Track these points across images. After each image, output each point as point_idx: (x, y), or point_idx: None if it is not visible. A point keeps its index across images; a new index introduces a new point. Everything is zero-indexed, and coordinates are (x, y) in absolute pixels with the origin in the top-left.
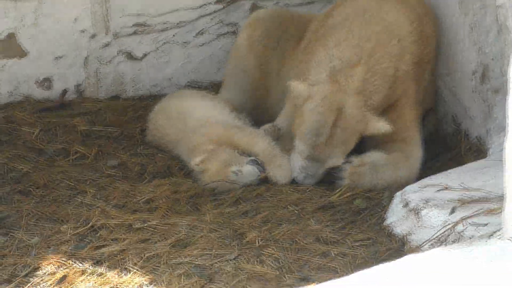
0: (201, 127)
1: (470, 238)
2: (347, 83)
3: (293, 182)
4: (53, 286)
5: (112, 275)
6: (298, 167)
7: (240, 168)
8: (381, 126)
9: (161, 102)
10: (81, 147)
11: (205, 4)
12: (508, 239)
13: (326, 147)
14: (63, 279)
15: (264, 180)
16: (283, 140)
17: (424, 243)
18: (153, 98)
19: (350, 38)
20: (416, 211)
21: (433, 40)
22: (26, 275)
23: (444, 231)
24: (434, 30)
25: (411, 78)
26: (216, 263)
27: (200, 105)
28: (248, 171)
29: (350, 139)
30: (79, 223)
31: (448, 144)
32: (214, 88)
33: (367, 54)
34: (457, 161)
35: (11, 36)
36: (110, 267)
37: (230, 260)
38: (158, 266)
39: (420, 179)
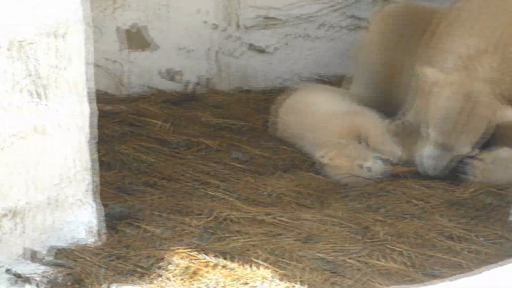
0: (325, 121)
1: None
2: (477, 70)
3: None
4: (179, 278)
5: (238, 268)
6: (425, 155)
7: (367, 162)
8: (510, 113)
9: (286, 96)
10: (206, 139)
11: None
12: None
13: (455, 134)
14: (188, 270)
15: (392, 175)
16: (412, 135)
17: None
18: (280, 91)
19: (478, 29)
20: None
21: None
22: (151, 266)
23: None
24: None
25: None
26: (341, 257)
27: (324, 100)
28: (376, 166)
29: (479, 127)
30: (204, 215)
31: None
32: (340, 82)
33: (496, 42)
34: None
35: (140, 28)
36: (235, 260)
37: (355, 254)
38: (283, 260)
39: None
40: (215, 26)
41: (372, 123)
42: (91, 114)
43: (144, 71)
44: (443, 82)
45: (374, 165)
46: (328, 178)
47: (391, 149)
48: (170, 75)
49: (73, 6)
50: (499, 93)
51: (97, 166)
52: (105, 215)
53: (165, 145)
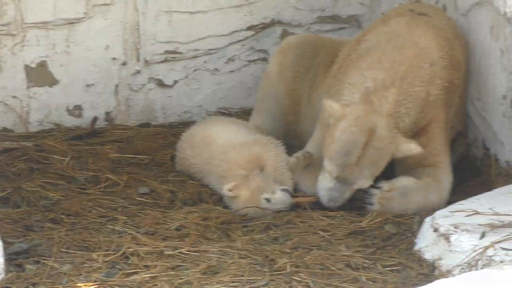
0: (226, 152)
1: (500, 262)
2: (380, 104)
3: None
4: None
5: None
6: (325, 188)
7: (272, 195)
8: (412, 147)
9: (188, 131)
10: (112, 175)
11: (235, 31)
12: None
13: (355, 168)
14: None
15: (296, 206)
16: (314, 166)
17: (454, 268)
18: (184, 125)
19: (383, 61)
20: (446, 236)
21: (463, 65)
22: None
23: (474, 256)
24: (464, 55)
25: (442, 103)
26: None
27: (223, 131)
28: (280, 198)
29: (381, 161)
30: (110, 250)
31: (478, 169)
32: (244, 114)
33: (400, 76)
34: (487, 185)
35: (42, 64)
36: None
37: (261, 286)
38: None
39: (450, 204)
40: (121, 62)
41: (269, 152)
42: None
43: (48, 107)
44: (346, 116)
45: (277, 197)
46: (235, 211)
47: (285, 178)
48: (75, 110)
49: None
50: (402, 127)
51: None
52: (11, 253)
53: (72, 182)
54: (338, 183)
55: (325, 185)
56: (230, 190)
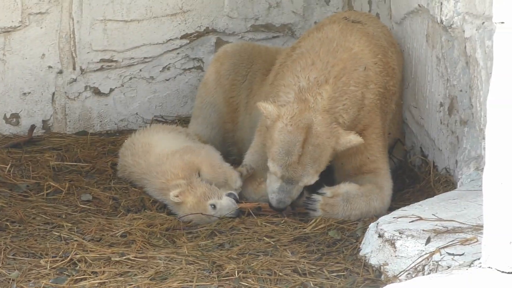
0: (161, 164)
1: (448, 267)
2: (315, 101)
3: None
4: None
5: None
6: (272, 189)
7: (218, 201)
8: (352, 137)
9: (129, 137)
10: (53, 182)
11: (170, 40)
12: (489, 267)
13: (298, 166)
14: None
15: (239, 212)
16: (256, 173)
17: (401, 273)
18: (120, 133)
19: (317, 63)
20: (391, 242)
21: (398, 72)
22: None
23: (421, 261)
24: (399, 63)
25: (377, 109)
26: None
27: (159, 140)
28: (226, 204)
29: (322, 157)
30: (57, 257)
31: (417, 175)
32: (180, 122)
33: (334, 75)
34: (426, 192)
35: None
36: None
37: None
38: None
39: (391, 210)
40: (58, 70)
41: (200, 155)
42: None
43: None
44: (281, 116)
45: (223, 202)
46: (180, 217)
47: (228, 175)
48: (12, 119)
49: None
50: (341, 122)
51: None
52: None
53: (13, 189)
54: (284, 183)
55: (273, 188)
56: (176, 196)
